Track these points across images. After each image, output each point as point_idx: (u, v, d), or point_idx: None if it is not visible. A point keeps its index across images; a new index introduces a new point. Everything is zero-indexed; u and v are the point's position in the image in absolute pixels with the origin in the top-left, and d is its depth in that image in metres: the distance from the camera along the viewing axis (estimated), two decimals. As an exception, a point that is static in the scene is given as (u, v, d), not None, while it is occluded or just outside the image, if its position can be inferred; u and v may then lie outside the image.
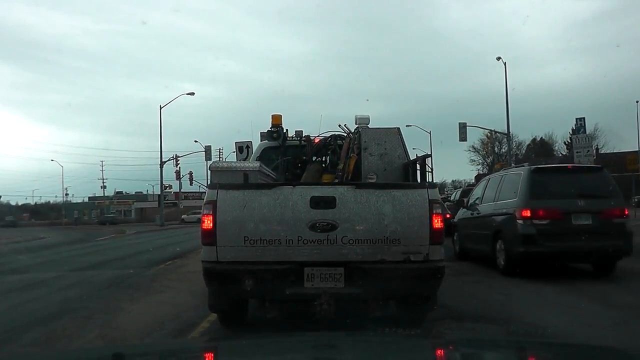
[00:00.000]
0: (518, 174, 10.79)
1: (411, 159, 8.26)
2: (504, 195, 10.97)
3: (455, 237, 13.55)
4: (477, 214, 12.13)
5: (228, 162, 9.52)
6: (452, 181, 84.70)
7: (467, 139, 41.86)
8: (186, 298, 8.76)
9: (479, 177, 47.32)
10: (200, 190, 64.35)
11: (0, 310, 8.47)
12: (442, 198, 6.78)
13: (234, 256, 5.40)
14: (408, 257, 5.37)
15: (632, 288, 9.03)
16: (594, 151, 43.71)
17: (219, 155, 56.96)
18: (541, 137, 79.13)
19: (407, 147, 8.31)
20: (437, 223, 5.41)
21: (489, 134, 62.99)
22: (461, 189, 27.54)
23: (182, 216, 69.72)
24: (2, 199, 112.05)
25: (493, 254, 10.86)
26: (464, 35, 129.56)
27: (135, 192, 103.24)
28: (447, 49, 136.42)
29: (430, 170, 7.92)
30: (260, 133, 9.79)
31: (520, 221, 9.93)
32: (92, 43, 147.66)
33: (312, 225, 5.32)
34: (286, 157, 8.99)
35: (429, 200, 5.41)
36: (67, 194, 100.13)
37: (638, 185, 33.65)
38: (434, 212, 5.39)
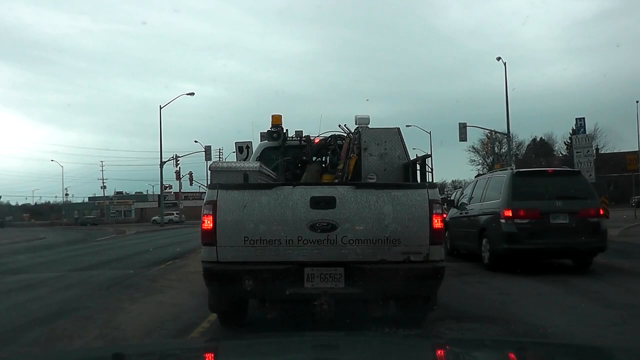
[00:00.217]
0: (502, 177, 11.63)
1: (411, 159, 8.26)
2: (490, 196, 11.80)
3: (446, 235, 13.82)
4: (466, 213, 12.88)
5: (228, 162, 9.51)
6: (452, 181, 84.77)
7: (467, 139, 41.92)
8: (186, 298, 8.76)
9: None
10: (200, 191, 64.36)
11: (0, 310, 8.48)
12: (442, 198, 6.82)
13: (234, 256, 5.40)
14: (408, 257, 5.36)
15: (632, 288, 9.03)
16: (594, 151, 43.74)
17: (219, 155, 57.02)
18: (541, 137, 79.25)
19: (407, 147, 8.32)
20: (437, 223, 5.41)
21: (489, 134, 63.01)
22: (461, 189, 27.60)
23: (153, 218, 70.71)
24: (2, 199, 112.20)
25: (479, 251, 11.64)
26: (464, 35, 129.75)
27: (135, 192, 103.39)
28: (447, 49, 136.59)
29: (430, 170, 7.93)
30: (260, 133, 9.78)
31: (503, 220, 10.72)
32: (92, 43, 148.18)
33: (312, 225, 5.32)
34: (286, 157, 8.99)
35: (429, 200, 5.41)
36: (67, 194, 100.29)
37: (638, 185, 33.61)
38: (434, 212, 5.39)
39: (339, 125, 8.95)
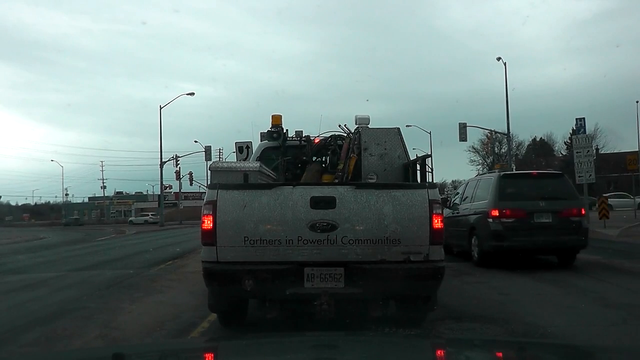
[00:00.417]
0: (490, 179, 12.46)
1: (411, 159, 8.26)
2: (479, 197, 12.54)
3: None
4: (457, 213, 13.46)
5: (228, 162, 9.51)
6: (452, 181, 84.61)
7: (467, 139, 41.87)
8: (186, 298, 8.76)
9: (479, 177, 47.19)
10: (200, 191, 64.39)
11: (0, 310, 8.48)
12: (442, 198, 6.87)
13: (234, 256, 5.40)
14: (408, 257, 5.36)
15: (632, 288, 9.03)
16: (594, 151, 43.72)
17: (219, 155, 57.04)
18: (541, 137, 79.24)
19: (407, 147, 8.31)
20: (437, 223, 5.41)
21: (489, 134, 63.05)
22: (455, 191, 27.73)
23: (130, 218, 72.07)
24: (2, 199, 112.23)
25: (469, 248, 12.34)
26: (464, 35, 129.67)
27: (135, 192, 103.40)
28: (447, 49, 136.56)
29: (430, 170, 7.92)
30: (260, 133, 9.78)
31: (490, 220, 11.47)
32: (92, 43, 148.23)
33: (312, 225, 5.32)
34: (286, 157, 8.99)
35: (429, 200, 5.41)
36: (67, 194, 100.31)
37: (638, 185, 33.61)
38: (434, 212, 5.39)
39: (339, 125, 8.96)
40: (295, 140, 9.12)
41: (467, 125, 39.85)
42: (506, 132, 40.66)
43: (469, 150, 72.81)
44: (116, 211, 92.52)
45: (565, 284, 9.33)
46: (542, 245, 11.41)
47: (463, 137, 39.70)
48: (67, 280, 11.77)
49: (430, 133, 57.91)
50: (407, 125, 45.11)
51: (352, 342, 2.90)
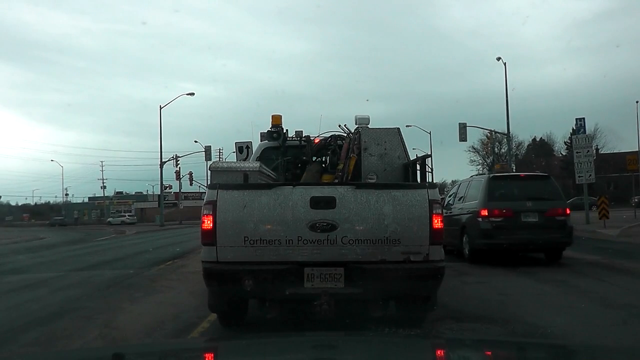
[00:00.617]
0: (480, 180, 13.23)
1: (411, 159, 8.25)
2: (470, 197, 13.21)
3: None
4: (450, 212, 13.87)
5: (228, 162, 9.51)
6: (452, 181, 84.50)
7: (467, 139, 41.83)
8: (186, 298, 8.76)
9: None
10: (200, 191, 64.39)
11: (0, 310, 8.47)
12: (442, 198, 6.91)
13: (234, 256, 5.40)
14: (408, 257, 5.36)
15: (632, 288, 9.03)
16: (594, 151, 43.73)
17: (219, 155, 57.00)
18: (541, 137, 79.31)
19: (407, 147, 8.30)
20: (437, 223, 5.41)
21: (488, 134, 63.03)
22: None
23: (108, 219, 73.58)
24: (2, 199, 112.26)
25: (461, 246, 12.92)
26: (465, 35, 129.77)
27: (135, 192, 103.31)
28: (447, 49, 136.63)
29: (430, 170, 7.91)
30: (260, 133, 9.78)
31: (480, 219, 12.13)
32: (92, 43, 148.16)
33: (312, 225, 5.32)
34: (286, 157, 8.98)
35: (428, 200, 5.41)
36: (67, 194, 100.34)
37: (638, 185, 33.62)
38: (434, 212, 5.39)
39: (339, 125, 8.95)
40: (295, 140, 9.11)
41: (467, 125, 39.84)
42: (506, 132, 40.65)
43: (469, 150, 72.94)
44: (116, 211, 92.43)
45: (565, 284, 9.33)
46: (528, 243, 12.04)
47: (463, 137, 39.67)
48: (67, 280, 11.77)
49: (430, 133, 58.03)
50: (407, 125, 45.19)
51: (352, 342, 2.90)
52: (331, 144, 8.87)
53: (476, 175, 15.27)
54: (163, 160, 54.52)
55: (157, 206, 70.54)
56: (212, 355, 2.80)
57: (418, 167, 7.87)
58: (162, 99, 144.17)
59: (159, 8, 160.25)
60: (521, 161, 71.45)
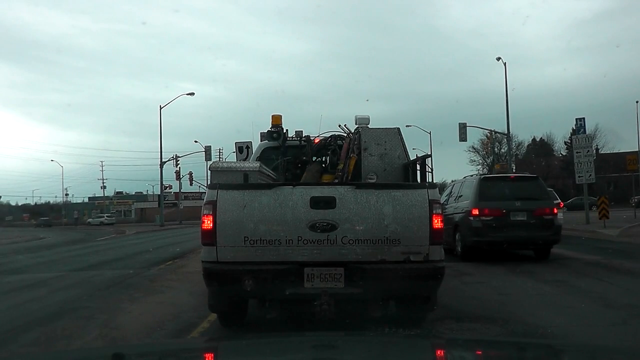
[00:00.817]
0: (472, 181, 13.86)
1: (411, 159, 8.26)
2: (462, 197, 13.85)
3: None
4: (444, 211, 14.04)
5: (228, 162, 9.50)
6: (452, 181, 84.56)
7: (467, 139, 41.82)
8: (186, 298, 8.76)
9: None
10: (200, 191, 64.39)
11: (0, 310, 8.48)
12: None
13: (234, 256, 5.40)
14: (408, 257, 5.36)
15: (632, 288, 9.03)
16: (594, 151, 43.71)
17: (219, 155, 56.99)
18: (541, 137, 79.31)
19: (407, 147, 8.30)
20: (437, 223, 5.41)
21: (488, 134, 62.98)
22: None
23: (88, 220, 75.49)
24: (2, 199, 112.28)
25: (454, 244, 13.38)
26: (465, 35, 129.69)
27: (135, 192, 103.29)
28: (447, 49, 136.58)
29: (430, 170, 7.91)
30: (260, 133, 9.78)
31: (471, 218, 12.71)
32: (91, 43, 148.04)
33: (312, 225, 5.32)
34: (286, 157, 8.98)
35: (428, 200, 5.41)
36: (67, 194, 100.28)
37: (638, 185, 33.62)
38: (434, 212, 5.39)
39: (339, 125, 8.95)
40: (295, 140, 9.11)
41: (467, 125, 39.82)
42: (506, 132, 40.62)
43: (469, 150, 72.97)
44: (116, 211, 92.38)
45: (565, 284, 9.33)
46: (518, 240, 12.73)
47: (463, 137, 39.66)
48: (67, 280, 11.77)
49: (430, 133, 58.06)
50: (407, 125, 45.20)
51: (352, 342, 2.90)
52: (331, 144, 8.87)
53: (469, 176, 15.73)
54: (163, 160, 54.57)
55: (157, 206, 70.52)
56: (212, 355, 2.80)
57: (418, 167, 7.87)
58: (162, 99, 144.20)
59: (159, 8, 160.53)
60: (521, 161, 71.45)
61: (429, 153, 23.31)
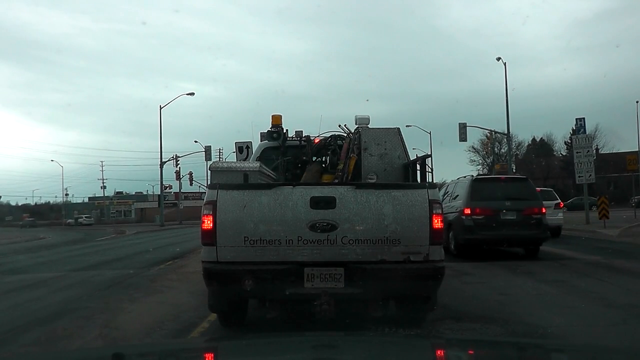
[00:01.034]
0: (465, 182, 14.54)
1: (411, 159, 8.26)
2: (455, 196, 14.51)
3: None
4: None
5: (228, 162, 9.50)
6: (444, 182, 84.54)
7: (467, 139, 41.81)
8: (186, 298, 8.76)
9: (478, 178, 47.26)
10: (200, 191, 64.39)
11: (0, 310, 8.48)
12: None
13: (234, 256, 5.40)
14: (408, 258, 5.36)
15: (632, 288, 9.04)
16: (594, 151, 43.72)
17: (219, 155, 56.96)
18: (541, 137, 79.32)
19: (407, 147, 8.30)
20: (437, 223, 5.41)
21: (488, 134, 62.95)
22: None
23: (68, 220, 77.37)
24: (2, 199, 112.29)
25: (447, 242, 13.67)
26: (465, 34, 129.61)
27: (135, 192, 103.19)
28: (447, 49, 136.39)
29: (430, 170, 7.92)
30: (260, 133, 9.78)
31: (464, 217, 13.36)
32: (91, 42, 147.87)
33: (312, 225, 5.32)
34: (286, 157, 8.98)
35: (429, 200, 5.41)
36: (67, 194, 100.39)
37: (638, 185, 33.63)
38: (434, 212, 5.39)
39: (339, 125, 8.95)
40: (295, 140, 9.11)
41: (467, 125, 39.81)
42: (506, 132, 40.62)
43: (469, 150, 72.99)
44: (116, 211, 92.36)
45: (565, 284, 9.33)
46: (507, 238, 13.36)
47: (463, 137, 39.66)
48: (67, 280, 11.77)
49: (430, 133, 57.98)
50: (407, 125, 45.16)
51: (352, 342, 2.90)
52: (331, 144, 8.87)
53: (462, 177, 16.29)
54: (163, 160, 54.55)
55: (157, 206, 70.52)
56: (212, 355, 2.81)
57: (418, 167, 7.87)
58: (162, 99, 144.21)
59: (159, 8, 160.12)
60: (521, 161, 71.47)
61: (429, 153, 23.35)
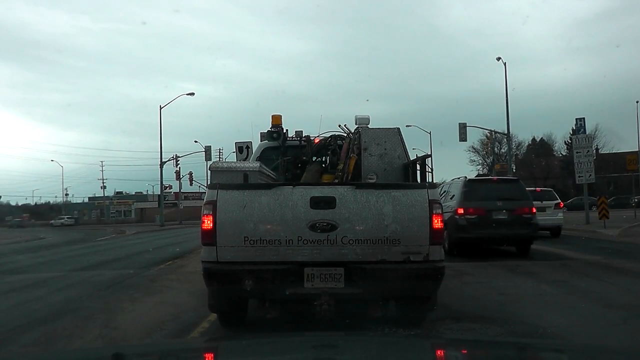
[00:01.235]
0: (459, 183, 15.08)
1: (411, 159, 8.26)
2: (450, 197, 14.96)
3: None
4: None
5: (228, 162, 9.50)
6: (441, 182, 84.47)
7: (467, 139, 41.79)
8: (186, 298, 8.76)
9: (478, 177, 47.28)
10: (200, 191, 64.35)
11: (0, 310, 8.48)
12: None
13: (234, 256, 5.40)
14: (408, 258, 5.36)
15: (632, 288, 9.04)
16: (594, 151, 43.71)
17: (219, 155, 56.97)
18: (541, 137, 79.30)
19: (407, 147, 8.30)
20: (437, 223, 5.40)
21: (488, 134, 63.01)
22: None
23: (51, 221, 77.87)
24: (2, 199, 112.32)
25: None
26: (465, 34, 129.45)
27: (135, 192, 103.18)
28: (447, 49, 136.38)
29: (430, 170, 7.91)
30: (260, 133, 9.78)
31: (457, 216, 13.85)
32: (91, 42, 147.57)
33: (312, 225, 5.32)
34: (286, 157, 8.98)
35: (428, 200, 5.41)
36: (67, 194, 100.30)
37: (638, 185, 33.64)
38: (434, 212, 5.39)
39: (339, 125, 8.94)
40: (295, 140, 9.12)
41: (467, 125, 39.80)
42: (506, 132, 40.61)
43: (469, 150, 73.01)
44: (116, 211, 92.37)
45: (565, 284, 9.33)
46: (499, 237, 13.95)
47: (463, 137, 39.65)
48: (67, 280, 11.77)
49: (430, 133, 57.92)
50: (407, 125, 45.13)
51: (352, 342, 2.90)
52: (331, 144, 8.87)
53: (456, 178, 16.67)
54: (163, 160, 54.53)
55: (157, 206, 70.50)
56: (212, 355, 2.81)
57: (418, 167, 7.87)
58: (162, 99, 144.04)
59: (159, 8, 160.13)
60: (521, 161, 71.45)
61: (429, 153, 23.35)
